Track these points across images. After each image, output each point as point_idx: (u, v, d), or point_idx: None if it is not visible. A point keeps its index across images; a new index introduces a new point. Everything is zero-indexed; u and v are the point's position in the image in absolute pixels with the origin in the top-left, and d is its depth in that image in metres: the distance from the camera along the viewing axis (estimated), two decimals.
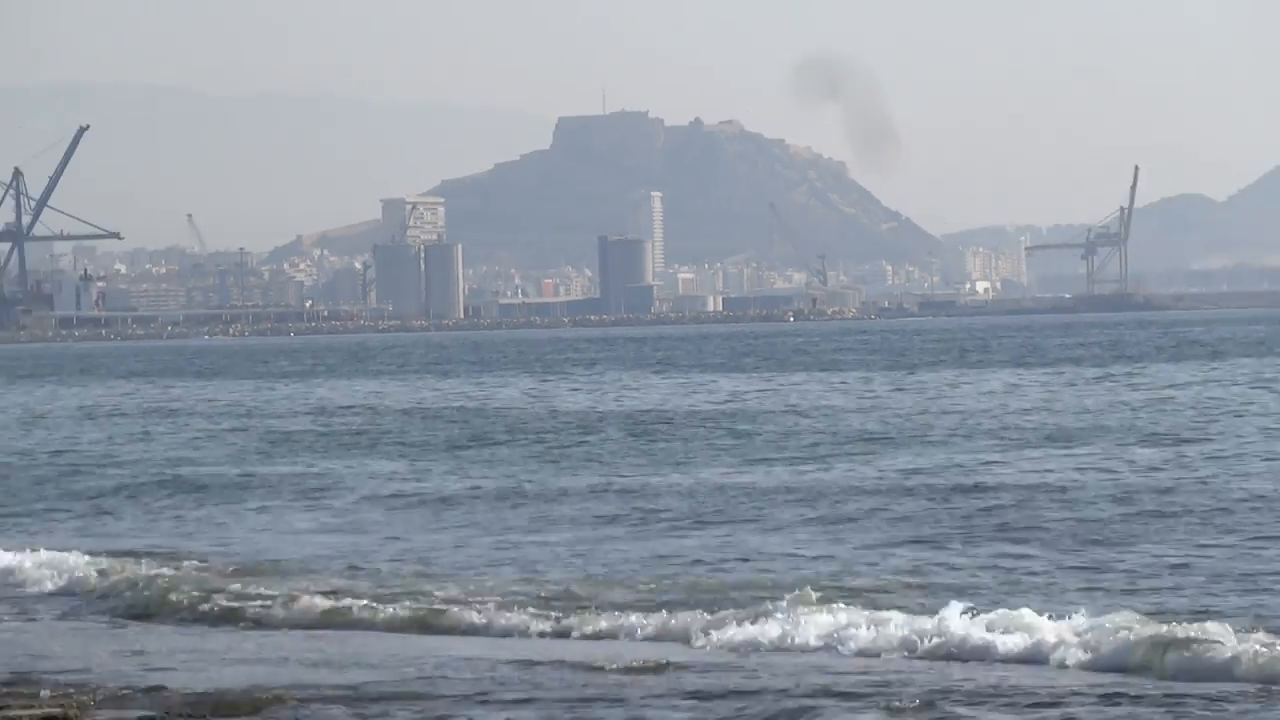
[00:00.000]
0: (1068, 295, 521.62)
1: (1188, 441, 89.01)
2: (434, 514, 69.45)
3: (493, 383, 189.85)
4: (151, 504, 76.19)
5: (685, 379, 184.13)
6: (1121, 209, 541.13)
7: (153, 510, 73.32)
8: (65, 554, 57.15)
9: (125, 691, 34.49)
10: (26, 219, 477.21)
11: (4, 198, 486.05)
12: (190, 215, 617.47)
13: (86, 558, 56.03)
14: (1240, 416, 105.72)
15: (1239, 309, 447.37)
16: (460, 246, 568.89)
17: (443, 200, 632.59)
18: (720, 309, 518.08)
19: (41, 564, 55.90)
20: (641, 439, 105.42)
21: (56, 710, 30.73)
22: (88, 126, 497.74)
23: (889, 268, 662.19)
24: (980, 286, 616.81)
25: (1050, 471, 77.06)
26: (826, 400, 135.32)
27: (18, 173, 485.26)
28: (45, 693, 33.84)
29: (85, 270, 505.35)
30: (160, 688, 35.31)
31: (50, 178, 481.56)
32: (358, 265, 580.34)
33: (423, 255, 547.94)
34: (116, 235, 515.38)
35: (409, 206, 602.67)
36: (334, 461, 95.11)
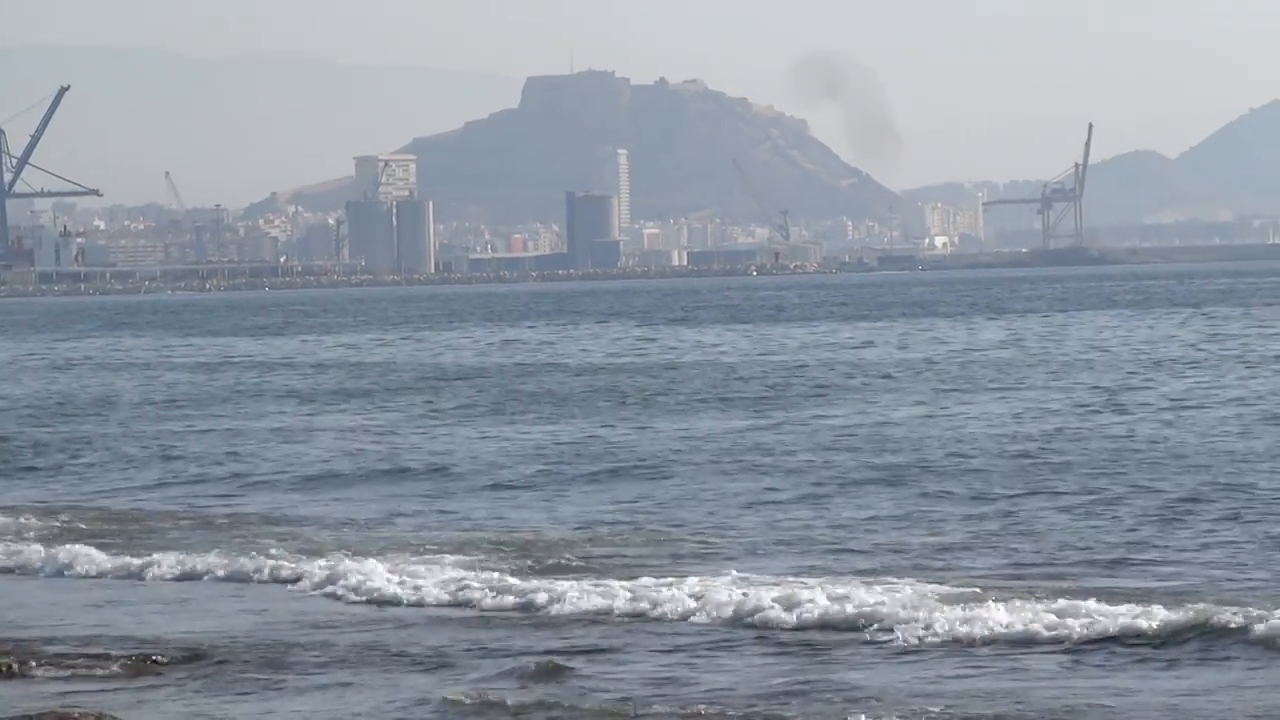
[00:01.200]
0: (1024, 250, 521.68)
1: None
2: None
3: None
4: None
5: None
6: (1076, 165, 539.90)
7: None
8: None
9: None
10: (8, 177, 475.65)
11: None
12: (168, 173, 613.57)
13: None
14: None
15: (1193, 262, 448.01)
16: (431, 203, 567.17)
17: (414, 158, 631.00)
18: (685, 263, 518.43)
19: None
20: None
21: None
22: (68, 87, 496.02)
23: (849, 223, 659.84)
24: (939, 241, 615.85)
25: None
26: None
27: (0, 133, 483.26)
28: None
29: (65, 227, 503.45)
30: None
31: (31, 136, 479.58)
32: (331, 221, 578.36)
33: (395, 211, 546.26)
34: (96, 192, 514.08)
35: (381, 164, 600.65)
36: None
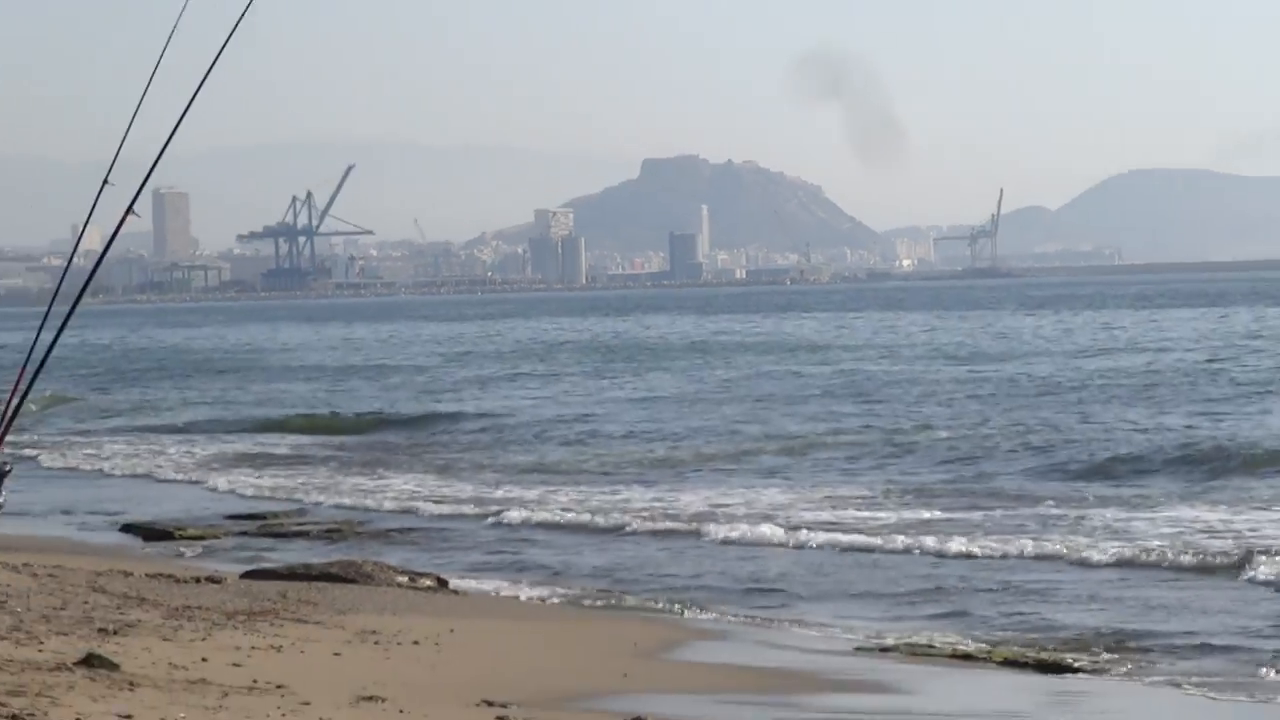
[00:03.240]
0: (960, 268, 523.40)
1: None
2: None
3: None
4: None
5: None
6: (992, 215, 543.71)
7: None
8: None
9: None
10: (316, 222, 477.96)
11: (302, 209, 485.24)
12: (416, 220, 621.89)
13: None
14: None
15: (1067, 278, 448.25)
16: (583, 239, 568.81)
17: (571, 210, 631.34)
18: (744, 277, 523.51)
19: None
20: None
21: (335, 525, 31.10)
22: (353, 165, 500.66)
23: (848, 251, 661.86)
24: (905, 263, 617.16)
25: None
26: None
27: (309, 194, 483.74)
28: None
29: (350, 255, 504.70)
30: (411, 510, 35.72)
31: (330, 197, 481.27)
32: (519, 250, 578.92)
33: (560, 244, 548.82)
34: (369, 232, 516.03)
35: (551, 214, 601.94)
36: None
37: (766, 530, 27.22)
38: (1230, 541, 25.70)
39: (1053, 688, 16.63)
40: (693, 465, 40.35)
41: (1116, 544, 25.69)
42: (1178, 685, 16.66)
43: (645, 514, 30.54)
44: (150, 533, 29.16)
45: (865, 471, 37.96)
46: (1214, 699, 16.01)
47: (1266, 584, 21.71)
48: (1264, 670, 17.02)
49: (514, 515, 30.15)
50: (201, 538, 29.03)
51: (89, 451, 46.71)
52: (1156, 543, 25.70)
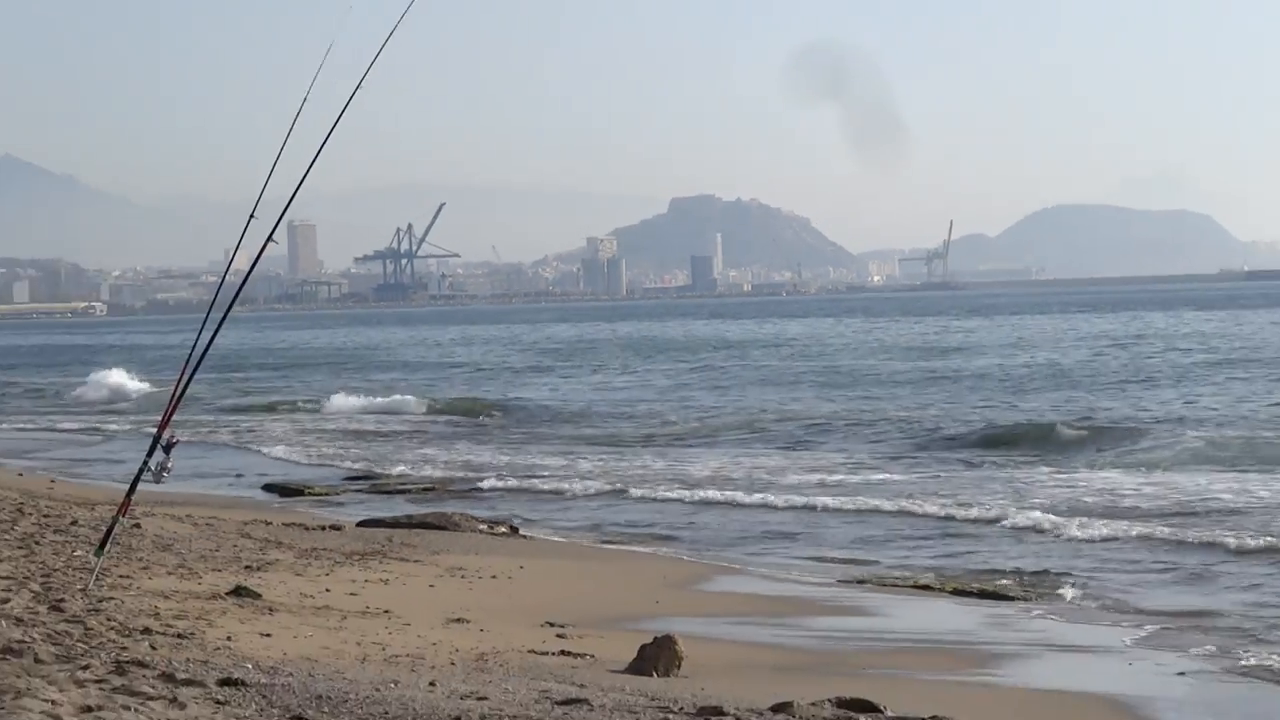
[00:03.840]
0: (919, 283, 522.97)
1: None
2: None
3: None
4: None
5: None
6: (944, 241, 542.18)
7: None
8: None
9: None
10: (416, 248, 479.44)
11: (404, 237, 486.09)
12: (493, 245, 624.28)
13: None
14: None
15: (1002, 290, 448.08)
16: (624, 260, 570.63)
17: (615, 238, 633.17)
18: (750, 290, 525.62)
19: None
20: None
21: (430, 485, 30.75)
22: (444, 203, 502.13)
23: (830, 269, 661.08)
24: (875, 279, 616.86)
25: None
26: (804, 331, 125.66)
27: (410, 226, 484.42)
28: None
29: (442, 273, 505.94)
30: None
31: (426, 227, 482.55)
32: (574, 269, 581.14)
33: (605, 265, 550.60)
34: (456, 255, 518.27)
35: (599, 240, 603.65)
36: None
37: (772, 498, 26.87)
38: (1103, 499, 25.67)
39: (991, 612, 16.78)
40: (703, 435, 40.42)
41: (1035, 500, 25.57)
42: (1078, 607, 17.00)
43: (669, 478, 30.30)
44: (285, 491, 29.36)
45: (845, 442, 37.71)
46: (1097, 622, 16.19)
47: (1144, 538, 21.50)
48: (1120, 596, 17.27)
49: (572, 485, 29.90)
50: (325, 494, 29.16)
51: (241, 426, 46.77)
52: (1049, 500, 25.56)
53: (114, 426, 47.26)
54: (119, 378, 65.13)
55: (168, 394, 17.48)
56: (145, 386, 62.70)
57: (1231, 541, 19.59)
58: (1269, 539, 19.98)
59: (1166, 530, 21.26)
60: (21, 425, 49.73)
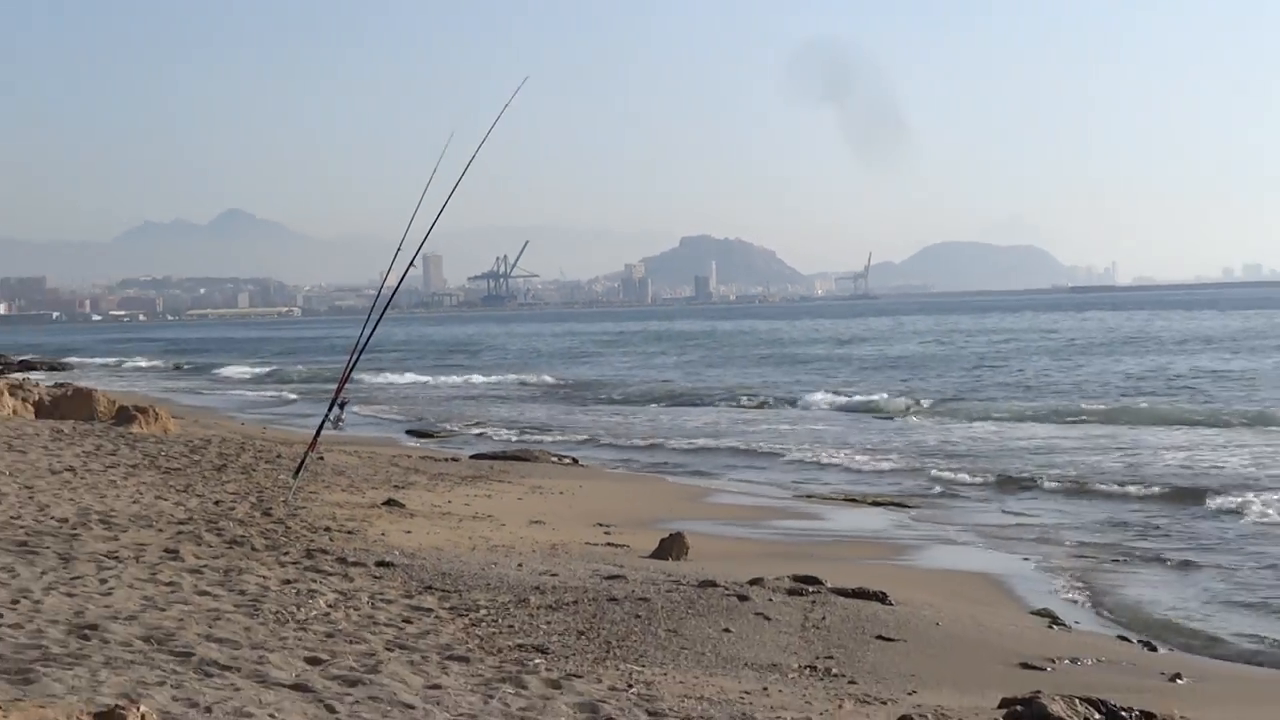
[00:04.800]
0: (847, 295, 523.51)
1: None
2: None
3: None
4: None
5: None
6: (865, 266, 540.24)
7: None
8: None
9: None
10: (508, 271, 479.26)
11: (500, 264, 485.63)
12: (561, 269, 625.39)
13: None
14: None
15: (900, 300, 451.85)
16: (650, 279, 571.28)
17: (644, 264, 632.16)
18: (735, 300, 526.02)
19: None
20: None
21: (521, 430, 31.22)
22: (529, 241, 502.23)
23: (788, 285, 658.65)
24: (819, 292, 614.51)
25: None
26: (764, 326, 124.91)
27: (505, 256, 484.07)
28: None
29: (526, 288, 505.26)
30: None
31: (516, 257, 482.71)
32: (616, 285, 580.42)
33: (637, 282, 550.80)
34: (536, 275, 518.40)
35: (632, 265, 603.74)
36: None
37: (737, 443, 26.67)
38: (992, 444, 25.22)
39: (897, 516, 16.56)
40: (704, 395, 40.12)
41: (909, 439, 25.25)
42: (952, 520, 16.57)
43: (671, 430, 30.02)
44: (422, 433, 29.20)
45: (794, 407, 37.14)
46: (960, 525, 15.87)
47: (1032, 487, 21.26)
48: (977, 514, 16.82)
49: (602, 434, 29.74)
50: (448, 436, 28.82)
51: (391, 390, 46.36)
52: (918, 445, 25.00)
53: (291, 396, 45.59)
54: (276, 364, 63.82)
55: (338, 372, 17.45)
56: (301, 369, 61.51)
57: (1047, 484, 18.95)
58: (1070, 478, 19.61)
59: (994, 473, 20.03)
60: (242, 391, 49.61)
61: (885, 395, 35.98)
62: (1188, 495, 17.33)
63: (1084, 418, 28.52)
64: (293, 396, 44.00)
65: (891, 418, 30.97)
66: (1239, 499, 16.48)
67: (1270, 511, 15.66)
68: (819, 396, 36.49)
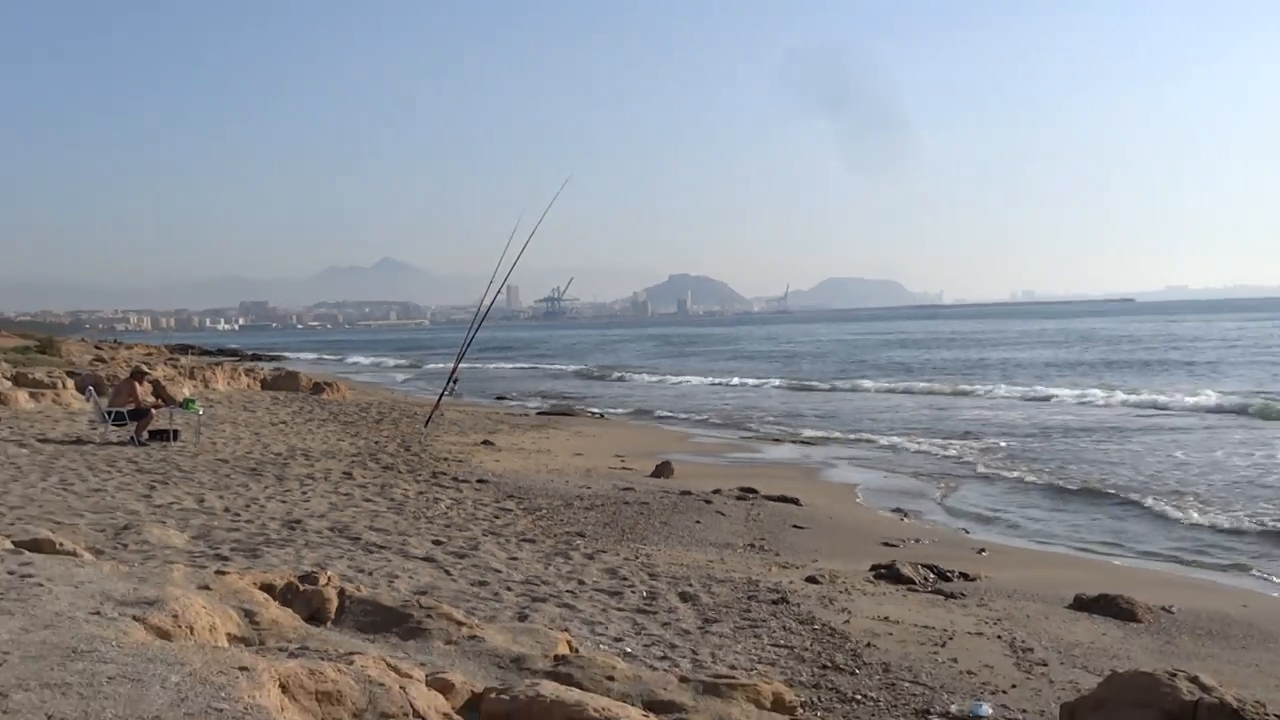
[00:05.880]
0: (772, 312, 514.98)
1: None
2: None
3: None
4: None
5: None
6: (785, 292, 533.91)
7: None
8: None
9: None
10: (559, 298, 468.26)
11: (554, 291, 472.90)
12: (594, 296, 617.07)
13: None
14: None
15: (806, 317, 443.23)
16: (649, 302, 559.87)
17: (646, 292, 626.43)
18: (702, 314, 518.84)
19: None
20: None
21: (563, 396, 30.61)
22: (573, 277, 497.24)
23: (736, 305, 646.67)
24: (755, 310, 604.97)
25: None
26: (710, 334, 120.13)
27: (557, 287, 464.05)
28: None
29: (570, 307, 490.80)
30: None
31: (565, 286, 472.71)
32: (627, 306, 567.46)
33: (642, 304, 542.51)
34: (578, 299, 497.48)
35: (637, 293, 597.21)
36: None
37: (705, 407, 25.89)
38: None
39: (799, 451, 16.00)
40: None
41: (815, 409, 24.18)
42: (848, 454, 16.08)
43: (668, 394, 29.05)
44: (503, 398, 28.54)
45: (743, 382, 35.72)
46: (843, 456, 15.50)
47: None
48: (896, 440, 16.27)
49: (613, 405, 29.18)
50: (521, 399, 28.09)
51: (489, 369, 44.80)
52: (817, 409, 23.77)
53: (402, 377, 45.71)
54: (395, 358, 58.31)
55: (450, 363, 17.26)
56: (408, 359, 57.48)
57: (891, 433, 18.83)
58: (907, 424, 19.39)
59: (859, 429, 18.60)
60: (393, 373, 49.20)
61: (779, 381, 32.86)
62: (1013, 423, 17.43)
63: (914, 390, 27.51)
64: (420, 377, 43.70)
65: (813, 391, 28.93)
66: (1003, 441, 15.96)
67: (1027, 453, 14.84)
68: (771, 382, 34.46)
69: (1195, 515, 9.72)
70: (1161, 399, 21.47)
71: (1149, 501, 10.49)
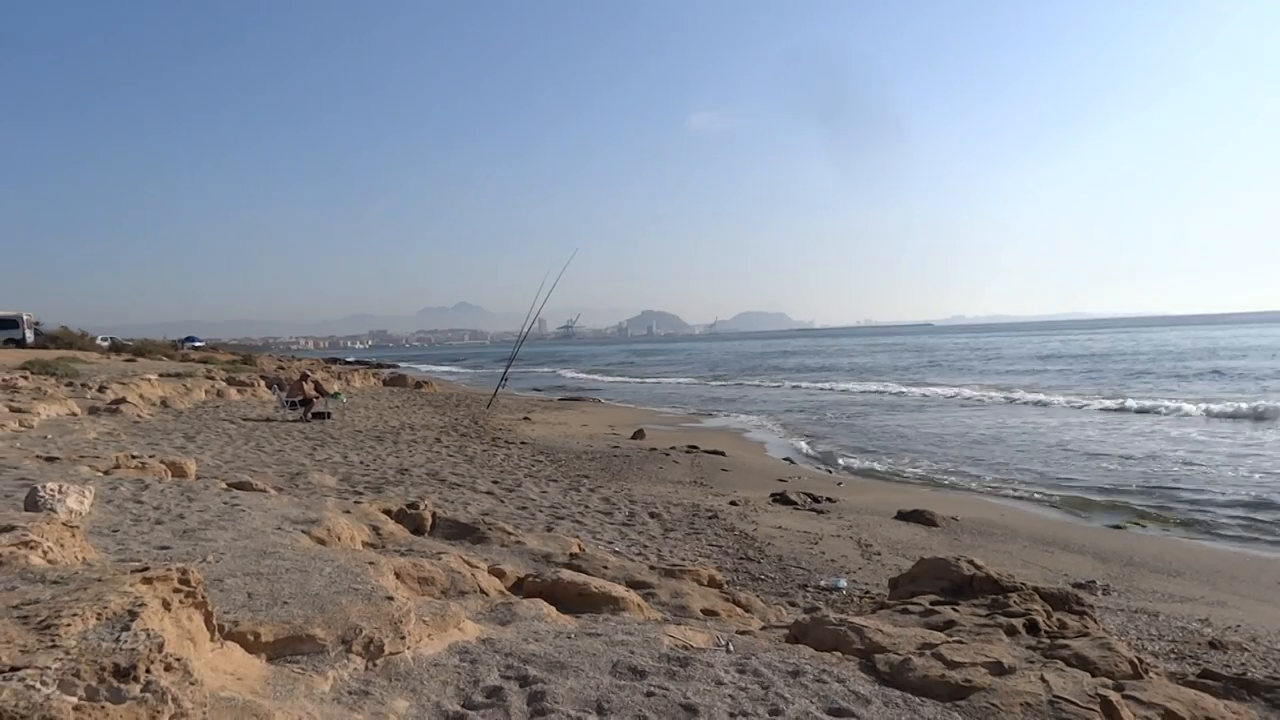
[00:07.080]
0: (710, 334, 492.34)
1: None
2: None
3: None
4: None
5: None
6: (716, 321, 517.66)
7: None
8: None
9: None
10: (572, 327, 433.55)
11: (567, 322, 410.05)
12: (595, 325, 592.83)
13: None
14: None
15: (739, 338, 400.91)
16: (629, 328, 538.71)
17: (629, 323, 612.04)
18: (663, 336, 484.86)
19: None
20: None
21: (579, 387, 27.31)
22: (581, 313, 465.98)
23: (684, 330, 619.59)
24: (697, 331, 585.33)
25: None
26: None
27: (570, 319, 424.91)
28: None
29: (578, 332, 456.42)
30: None
31: (576, 317, 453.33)
32: (615, 331, 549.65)
33: (625, 331, 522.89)
34: (584, 326, 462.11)
35: (622, 322, 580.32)
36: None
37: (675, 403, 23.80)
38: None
39: (724, 422, 14.86)
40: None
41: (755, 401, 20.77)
42: (771, 432, 15.29)
43: (646, 390, 27.35)
44: (538, 389, 26.22)
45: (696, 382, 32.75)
46: (762, 426, 14.81)
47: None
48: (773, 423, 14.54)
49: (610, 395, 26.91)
50: (549, 392, 25.91)
51: (529, 371, 39.51)
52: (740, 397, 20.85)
53: (484, 376, 39.02)
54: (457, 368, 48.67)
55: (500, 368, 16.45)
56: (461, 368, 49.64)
57: (791, 410, 17.64)
58: (799, 405, 17.83)
59: (775, 412, 16.20)
60: (465, 373, 46.28)
61: (708, 378, 29.75)
62: (857, 405, 16.30)
63: (796, 382, 25.88)
64: (483, 378, 41.08)
65: (728, 384, 26.49)
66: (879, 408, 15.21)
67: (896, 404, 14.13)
68: (705, 379, 30.12)
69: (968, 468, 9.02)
70: (932, 391, 20.30)
71: (921, 446, 10.47)
